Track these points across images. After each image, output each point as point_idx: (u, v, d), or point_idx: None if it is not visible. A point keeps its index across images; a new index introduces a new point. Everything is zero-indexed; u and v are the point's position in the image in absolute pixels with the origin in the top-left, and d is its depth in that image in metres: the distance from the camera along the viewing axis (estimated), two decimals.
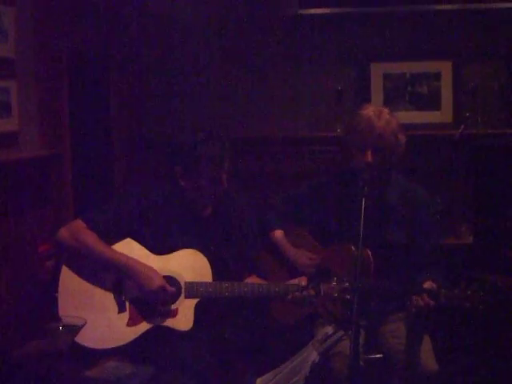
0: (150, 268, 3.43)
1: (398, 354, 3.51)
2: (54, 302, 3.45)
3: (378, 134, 3.53)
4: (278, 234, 3.87)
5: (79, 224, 3.49)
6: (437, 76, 5.07)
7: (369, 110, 3.61)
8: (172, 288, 3.42)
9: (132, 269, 3.42)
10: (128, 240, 3.52)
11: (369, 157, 3.53)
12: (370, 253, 3.54)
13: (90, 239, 3.45)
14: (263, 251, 3.86)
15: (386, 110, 3.63)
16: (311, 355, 2.86)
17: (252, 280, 3.64)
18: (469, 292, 3.37)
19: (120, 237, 3.51)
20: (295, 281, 3.52)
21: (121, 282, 3.47)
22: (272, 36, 5.26)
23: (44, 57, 4.23)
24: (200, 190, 3.52)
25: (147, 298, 3.41)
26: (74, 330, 3.07)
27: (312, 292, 3.44)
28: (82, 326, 3.06)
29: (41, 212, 4.22)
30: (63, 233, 3.49)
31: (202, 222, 3.61)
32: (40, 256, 4.03)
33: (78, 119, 4.59)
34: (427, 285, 3.47)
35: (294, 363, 2.93)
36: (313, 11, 5.16)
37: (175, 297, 3.43)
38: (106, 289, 3.46)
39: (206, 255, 3.50)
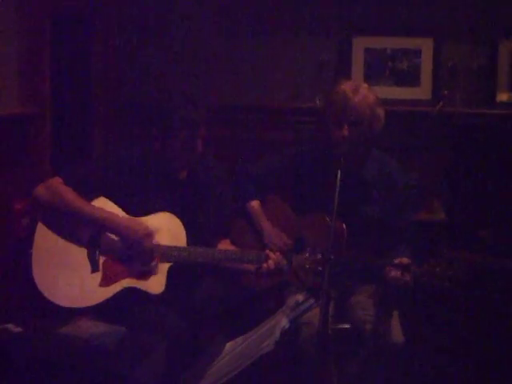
0: (130, 218, 3.45)
1: (366, 324, 3.54)
2: (29, 258, 3.46)
3: (353, 109, 3.55)
4: (255, 204, 3.88)
5: (57, 180, 3.48)
6: (417, 52, 5.08)
7: (346, 85, 3.63)
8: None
9: (112, 221, 3.43)
10: (103, 199, 3.51)
11: (345, 131, 3.55)
12: (344, 226, 3.58)
13: (68, 194, 3.44)
14: (238, 219, 3.89)
15: (364, 85, 3.65)
16: (281, 321, 2.89)
17: (224, 245, 3.66)
18: (437, 269, 3.40)
19: (96, 195, 3.51)
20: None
21: (96, 239, 3.47)
22: (255, 5, 5.24)
23: (25, 13, 4.19)
24: (174, 153, 3.53)
25: (132, 248, 3.42)
26: None
27: (284, 262, 3.48)
28: None
29: (18, 170, 4.21)
30: (40, 189, 3.48)
31: (177, 186, 3.62)
32: (16, 213, 4.03)
33: (59, 78, 4.58)
34: (399, 260, 3.51)
35: (263, 329, 2.96)
36: None
37: (149, 259, 3.45)
38: (81, 247, 3.47)
39: (180, 218, 3.51)
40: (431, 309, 4.50)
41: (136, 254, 3.43)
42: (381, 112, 3.62)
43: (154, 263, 3.43)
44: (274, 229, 3.80)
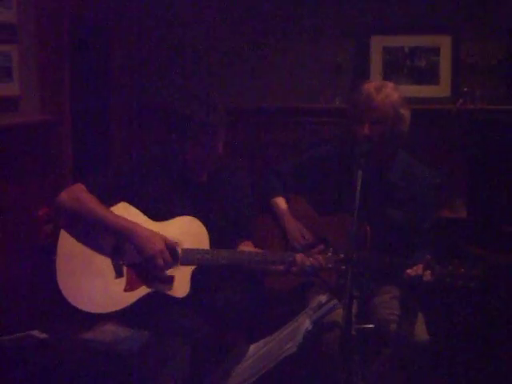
0: (150, 231, 3.43)
1: (390, 324, 3.53)
2: (53, 265, 3.47)
3: (375, 107, 3.54)
4: (280, 200, 3.90)
5: (79, 187, 3.51)
6: (436, 50, 5.07)
7: (370, 84, 3.62)
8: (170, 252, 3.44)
9: (133, 232, 3.42)
10: (125, 204, 3.53)
11: (366, 130, 3.54)
12: (368, 227, 3.58)
13: (91, 201, 3.45)
14: (261, 219, 3.90)
15: (389, 85, 3.63)
16: (304, 323, 2.90)
17: (246, 247, 3.66)
18: (462, 270, 3.39)
19: (118, 201, 3.53)
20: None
21: (120, 246, 3.48)
22: (272, 6, 5.25)
23: (45, 22, 4.23)
24: (195, 157, 3.54)
25: (146, 262, 3.42)
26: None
27: (308, 262, 3.48)
28: None
29: (41, 177, 4.24)
30: (63, 196, 3.49)
31: (198, 189, 3.63)
32: (39, 220, 4.06)
33: (79, 85, 4.60)
34: (423, 259, 3.49)
35: (287, 331, 2.97)
36: None
37: (173, 263, 3.47)
38: (105, 253, 3.48)
39: (202, 221, 3.52)
40: (457, 309, 4.48)
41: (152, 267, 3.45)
42: (405, 112, 3.60)
43: (173, 269, 3.44)
44: (297, 224, 3.81)
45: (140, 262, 3.44)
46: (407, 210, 3.68)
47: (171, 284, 3.44)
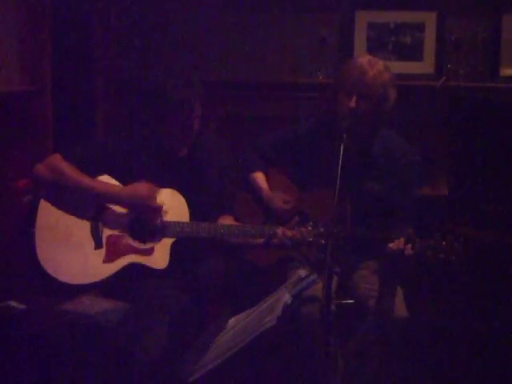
0: (134, 184, 3.45)
1: (369, 299, 3.54)
2: (31, 237, 3.47)
3: (366, 82, 3.53)
4: (259, 175, 3.89)
5: (56, 157, 3.47)
6: (421, 27, 5.06)
7: (363, 59, 3.62)
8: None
9: (117, 190, 3.44)
10: (106, 177, 3.51)
11: (353, 102, 3.53)
12: (348, 202, 3.58)
13: (69, 170, 3.42)
14: (240, 194, 3.88)
15: (381, 63, 3.62)
16: (284, 297, 2.89)
17: (227, 221, 3.65)
18: (444, 243, 3.40)
19: (98, 174, 3.51)
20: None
21: (99, 215, 3.47)
22: None
23: None
24: (171, 132, 3.52)
25: (137, 215, 3.43)
26: None
27: (289, 234, 3.48)
28: None
29: (20, 148, 4.21)
30: (40, 167, 3.46)
31: (178, 163, 3.61)
32: (18, 191, 4.03)
33: (60, 55, 4.56)
34: (404, 232, 3.49)
35: (266, 304, 2.96)
36: None
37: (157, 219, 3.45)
38: (84, 224, 3.46)
39: (182, 195, 3.51)
40: (436, 284, 4.50)
41: (142, 218, 3.43)
42: (392, 93, 3.60)
43: (159, 231, 3.44)
44: (276, 193, 3.81)
45: (121, 225, 3.43)
46: (387, 183, 3.69)
47: (151, 255, 3.43)
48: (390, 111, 3.62)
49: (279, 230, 3.49)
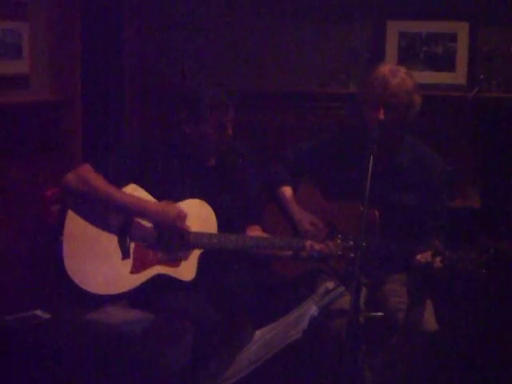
0: (164, 203, 3.44)
1: (398, 312, 3.51)
2: (59, 246, 3.46)
3: (391, 92, 3.51)
4: (286, 190, 3.86)
5: (86, 167, 3.49)
6: (453, 37, 5.01)
7: (385, 68, 3.59)
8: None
9: (145, 206, 3.43)
10: (133, 186, 3.51)
11: (381, 114, 3.51)
12: (377, 213, 3.54)
13: (97, 181, 3.43)
14: (269, 206, 3.86)
15: (402, 69, 3.61)
16: (310, 309, 2.87)
17: (255, 231, 3.64)
18: (473, 255, 3.35)
19: (126, 183, 3.51)
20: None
21: (127, 227, 3.47)
22: None
23: (58, 0, 4.21)
24: (204, 137, 3.51)
25: (163, 235, 3.42)
26: None
27: (317, 247, 3.45)
28: None
29: (49, 157, 4.23)
30: (70, 176, 3.48)
31: (207, 172, 3.61)
32: (47, 200, 4.04)
33: (90, 64, 4.57)
34: (432, 245, 3.45)
35: (292, 317, 2.94)
36: None
37: (182, 242, 3.44)
38: (111, 234, 3.46)
39: (210, 205, 3.50)
40: (467, 297, 4.45)
41: (168, 238, 3.42)
42: (417, 98, 3.58)
43: (186, 247, 3.42)
44: (305, 213, 3.77)
45: (149, 241, 3.43)
46: (416, 193, 3.65)
47: (178, 267, 3.42)
48: (416, 117, 3.59)
49: (307, 243, 3.47)
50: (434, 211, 3.65)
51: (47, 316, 3.53)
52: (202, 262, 3.44)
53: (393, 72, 3.55)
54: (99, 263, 3.42)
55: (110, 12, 4.87)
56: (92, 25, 4.59)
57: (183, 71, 5.06)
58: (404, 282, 3.66)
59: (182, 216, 3.43)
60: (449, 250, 3.38)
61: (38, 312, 3.55)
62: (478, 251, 3.34)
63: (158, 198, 3.50)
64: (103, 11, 4.77)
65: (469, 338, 4.34)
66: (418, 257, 3.40)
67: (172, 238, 3.43)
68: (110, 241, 3.46)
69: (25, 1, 3.95)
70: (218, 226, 3.49)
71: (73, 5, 4.28)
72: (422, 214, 3.64)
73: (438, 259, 3.37)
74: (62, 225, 3.48)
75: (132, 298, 3.44)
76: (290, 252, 3.48)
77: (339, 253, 3.43)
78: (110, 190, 3.43)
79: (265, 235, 3.60)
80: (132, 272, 3.42)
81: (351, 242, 3.41)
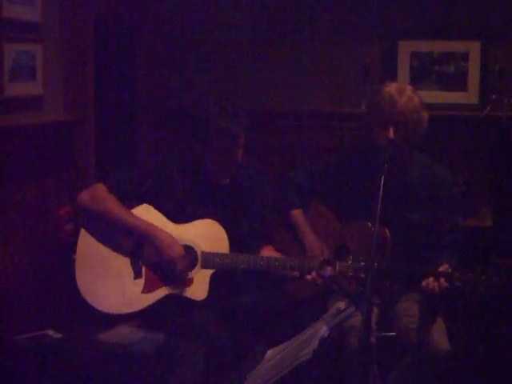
0: (170, 236, 3.44)
1: (411, 332, 3.50)
2: (72, 265, 3.48)
3: (399, 111, 3.51)
4: (297, 213, 3.84)
5: (100, 187, 3.51)
6: (465, 56, 5.02)
7: (391, 87, 3.59)
8: (188, 259, 3.44)
9: (152, 234, 3.43)
10: (146, 206, 3.53)
11: (391, 133, 3.50)
12: (387, 232, 3.54)
13: (111, 202, 3.46)
14: (281, 227, 3.86)
15: (408, 87, 3.61)
16: (321, 329, 2.85)
17: (268, 251, 3.65)
18: (483, 277, 3.33)
19: (139, 203, 3.53)
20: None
21: (139, 247, 3.48)
22: (299, 7, 5.22)
23: (70, 21, 4.24)
24: (214, 162, 3.52)
25: (164, 266, 3.43)
26: None
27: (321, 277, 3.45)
28: None
29: (63, 176, 4.25)
30: (84, 196, 3.51)
31: (220, 192, 3.62)
32: (60, 219, 4.06)
33: (103, 85, 4.60)
34: (442, 268, 3.43)
35: (303, 337, 2.93)
36: None
37: (191, 266, 3.45)
38: (124, 254, 3.48)
39: (222, 225, 3.50)
40: (480, 317, 4.43)
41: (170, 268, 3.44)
42: (425, 115, 3.58)
43: (192, 272, 3.45)
44: (316, 239, 3.77)
45: (159, 262, 3.43)
46: (427, 211, 3.64)
47: (190, 287, 3.42)
48: (423, 133, 3.59)
49: (318, 264, 3.46)
50: (445, 228, 3.64)
51: (59, 335, 3.52)
52: (213, 282, 3.45)
53: (399, 91, 3.56)
54: (111, 282, 3.44)
55: (124, 32, 4.91)
56: (104, 44, 4.63)
57: (196, 99, 5.07)
58: (417, 300, 3.65)
59: (182, 258, 3.42)
60: (459, 271, 3.37)
61: (50, 331, 3.55)
62: (489, 273, 3.34)
63: (171, 217, 3.52)
64: (116, 32, 4.81)
65: (481, 358, 4.32)
66: (423, 283, 3.38)
67: (173, 272, 3.44)
68: (122, 260, 3.48)
69: (38, 22, 3.97)
70: (231, 246, 3.50)
71: (86, 26, 4.30)
72: (433, 232, 3.64)
73: (441, 281, 3.35)
74: (74, 243, 3.51)
75: (144, 318, 3.45)
76: (302, 273, 3.47)
77: (350, 274, 3.43)
78: (122, 212, 3.46)
79: (277, 255, 3.60)
80: (144, 292, 3.44)
81: (362, 263, 3.41)
